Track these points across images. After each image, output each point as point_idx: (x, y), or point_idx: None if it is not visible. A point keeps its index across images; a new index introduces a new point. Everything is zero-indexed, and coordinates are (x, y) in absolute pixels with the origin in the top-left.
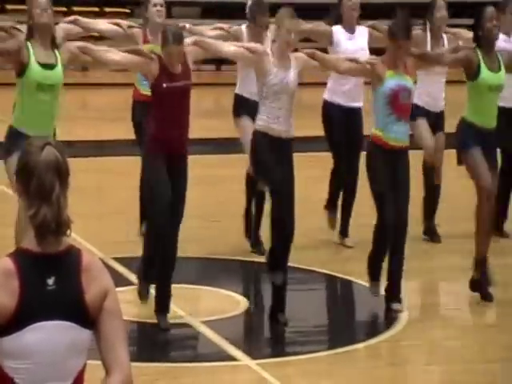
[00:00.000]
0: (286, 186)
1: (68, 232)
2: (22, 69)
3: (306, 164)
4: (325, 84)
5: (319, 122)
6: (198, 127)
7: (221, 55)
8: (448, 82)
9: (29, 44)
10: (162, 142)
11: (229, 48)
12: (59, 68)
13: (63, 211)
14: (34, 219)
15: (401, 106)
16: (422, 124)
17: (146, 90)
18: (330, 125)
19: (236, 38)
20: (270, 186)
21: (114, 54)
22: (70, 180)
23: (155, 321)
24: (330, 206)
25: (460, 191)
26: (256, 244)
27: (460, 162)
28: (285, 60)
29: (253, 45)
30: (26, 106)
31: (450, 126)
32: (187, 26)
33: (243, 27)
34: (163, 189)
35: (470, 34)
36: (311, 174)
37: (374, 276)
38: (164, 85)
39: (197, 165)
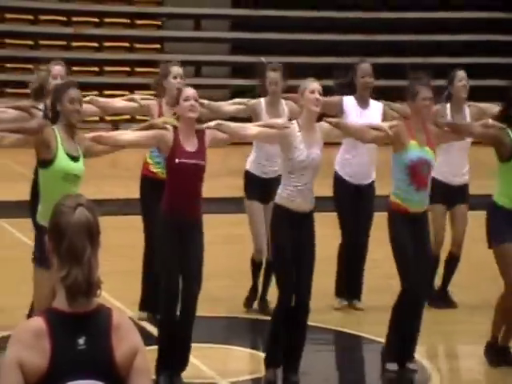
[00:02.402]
0: (303, 263)
1: (98, 292)
2: (49, 158)
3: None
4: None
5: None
6: (224, 186)
7: (245, 139)
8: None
9: (56, 132)
10: (173, 213)
11: (251, 131)
12: (82, 160)
13: (94, 272)
14: (65, 280)
15: (420, 178)
16: (439, 212)
17: (156, 168)
18: (340, 202)
19: (254, 110)
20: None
21: (129, 136)
22: (100, 239)
23: (185, 380)
24: (339, 291)
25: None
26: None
27: (490, 246)
28: (312, 132)
29: (274, 121)
30: (50, 196)
31: (475, 187)
32: (205, 102)
33: (262, 100)
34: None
35: (496, 109)
36: (325, 233)
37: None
38: (176, 160)
39: (222, 224)
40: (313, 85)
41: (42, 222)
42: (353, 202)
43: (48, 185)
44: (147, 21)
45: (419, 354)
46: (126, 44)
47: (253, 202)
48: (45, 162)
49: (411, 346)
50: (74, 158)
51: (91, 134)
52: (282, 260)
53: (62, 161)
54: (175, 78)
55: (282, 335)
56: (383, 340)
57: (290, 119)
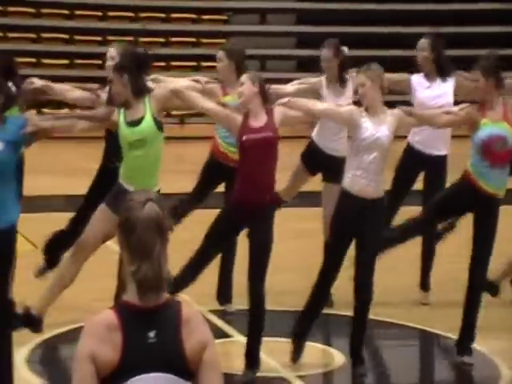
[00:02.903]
0: (366, 248)
1: (168, 287)
2: (116, 132)
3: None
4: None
5: None
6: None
7: (313, 114)
8: None
9: (121, 110)
10: (244, 192)
11: (319, 106)
12: (147, 120)
13: (164, 267)
14: (136, 275)
15: (494, 155)
16: None
17: (227, 149)
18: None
19: (315, 88)
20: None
21: (206, 103)
22: (169, 234)
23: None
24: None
25: None
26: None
27: None
28: (377, 114)
29: (340, 103)
30: (126, 163)
31: None
32: (271, 86)
33: (323, 78)
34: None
35: None
36: None
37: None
38: (244, 137)
39: (293, 218)
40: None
41: (122, 180)
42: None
43: (123, 151)
44: (213, 16)
45: (492, 349)
46: (192, 39)
47: (327, 184)
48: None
49: (469, 337)
50: (134, 124)
51: (172, 85)
52: (333, 250)
53: (123, 131)
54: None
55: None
56: (451, 335)
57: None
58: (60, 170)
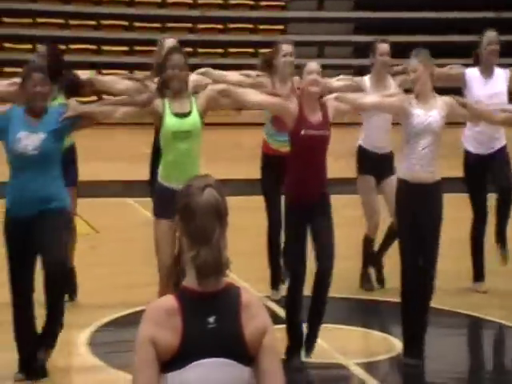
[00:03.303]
0: (428, 231)
1: (227, 272)
2: (160, 123)
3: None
4: None
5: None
6: (345, 167)
7: (363, 107)
8: None
9: (165, 100)
10: (299, 188)
11: (368, 99)
12: (194, 115)
13: (223, 252)
14: (195, 260)
15: None
16: None
17: (274, 142)
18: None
19: (360, 88)
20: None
21: (256, 96)
22: (228, 219)
23: (309, 360)
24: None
25: None
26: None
27: None
28: (428, 100)
29: (389, 92)
30: (165, 159)
31: None
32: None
33: (366, 77)
34: (299, 249)
35: None
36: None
37: None
38: (302, 132)
39: (349, 206)
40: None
41: (161, 180)
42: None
43: (165, 145)
44: (271, 2)
45: None
46: (250, 25)
47: (365, 176)
48: (158, 128)
49: None
50: (182, 115)
51: (220, 86)
52: (403, 238)
53: (169, 122)
54: (285, 55)
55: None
56: (508, 323)
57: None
58: (120, 156)
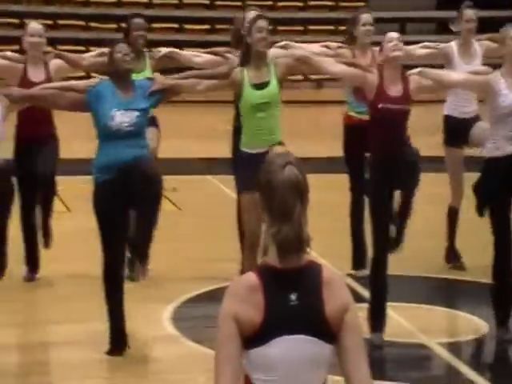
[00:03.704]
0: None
1: (308, 249)
2: (239, 94)
3: None
4: None
5: None
6: (422, 144)
7: (447, 85)
8: None
9: (244, 70)
10: (380, 160)
11: (456, 76)
12: (273, 84)
13: (304, 229)
14: (276, 237)
15: None
16: None
17: (355, 113)
18: None
19: (445, 54)
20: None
21: (335, 66)
22: (309, 196)
23: (389, 339)
24: None
25: None
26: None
27: None
28: None
29: (479, 68)
30: (246, 127)
31: None
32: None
33: (453, 43)
34: (385, 220)
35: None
36: None
37: None
38: (380, 105)
39: (427, 183)
40: None
41: (244, 149)
42: None
43: (245, 115)
44: None
45: None
46: (331, 3)
47: (452, 148)
48: (238, 98)
49: None
50: (261, 86)
51: (300, 52)
52: (500, 216)
53: (248, 93)
54: (364, 25)
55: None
56: None
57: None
58: (200, 133)
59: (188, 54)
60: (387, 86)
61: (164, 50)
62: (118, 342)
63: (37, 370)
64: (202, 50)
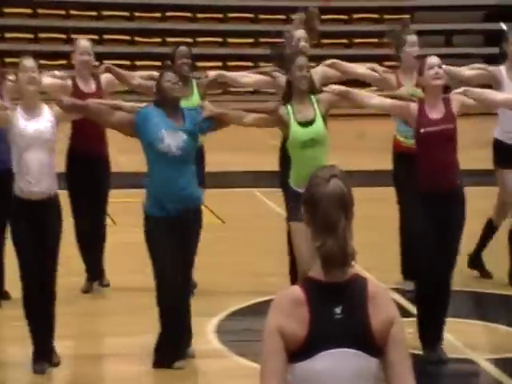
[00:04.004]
0: None
1: (353, 262)
2: (286, 131)
3: None
4: None
5: None
6: (473, 158)
7: (493, 104)
8: None
9: (289, 107)
10: (429, 184)
11: (501, 96)
12: (318, 121)
13: (349, 243)
14: (321, 251)
15: None
16: None
17: (405, 141)
18: None
19: (494, 77)
20: None
21: (378, 100)
22: (354, 210)
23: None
24: None
25: None
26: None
27: None
28: None
29: None
30: (294, 164)
31: None
32: (444, 67)
33: (502, 67)
34: (429, 241)
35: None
36: None
37: None
38: (421, 130)
39: (473, 197)
40: None
41: (292, 186)
42: None
43: (293, 153)
44: None
45: None
46: (375, 15)
47: (503, 170)
48: (285, 135)
49: None
50: (307, 124)
51: (338, 89)
52: None
53: (295, 131)
54: (411, 46)
55: None
56: None
57: None
58: (246, 146)
59: (235, 74)
60: (428, 110)
61: (211, 75)
62: (169, 354)
63: (88, 381)
64: (250, 70)
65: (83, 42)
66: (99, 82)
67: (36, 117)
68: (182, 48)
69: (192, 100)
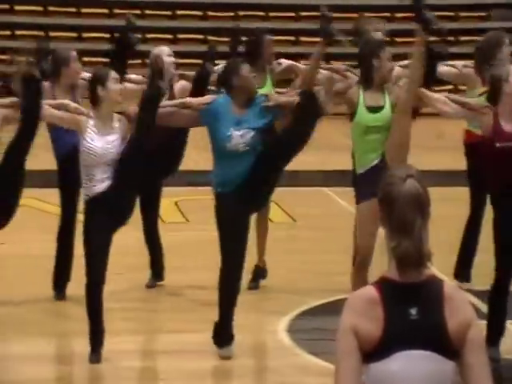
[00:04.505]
0: None
1: (429, 263)
2: (352, 113)
3: None
4: None
5: None
6: None
7: None
8: None
9: (360, 89)
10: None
11: None
12: (387, 108)
13: (424, 244)
14: (396, 251)
15: None
16: None
17: (474, 127)
18: None
19: None
20: None
21: (448, 106)
22: (430, 210)
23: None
24: None
25: None
26: None
27: None
28: None
29: None
30: (357, 147)
31: None
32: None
33: None
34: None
35: None
36: None
37: None
38: (497, 144)
39: None
40: None
41: (357, 169)
42: None
43: (355, 135)
44: (471, 13)
45: None
46: (450, 13)
47: None
48: (351, 117)
49: None
50: (375, 110)
51: (413, 88)
52: None
53: (361, 114)
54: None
55: None
56: None
57: None
58: (318, 145)
59: (303, 67)
60: (504, 123)
61: (284, 63)
62: (228, 345)
63: (157, 376)
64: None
65: (162, 48)
66: (172, 89)
67: (106, 132)
68: (269, 37)
69: (266, 87)
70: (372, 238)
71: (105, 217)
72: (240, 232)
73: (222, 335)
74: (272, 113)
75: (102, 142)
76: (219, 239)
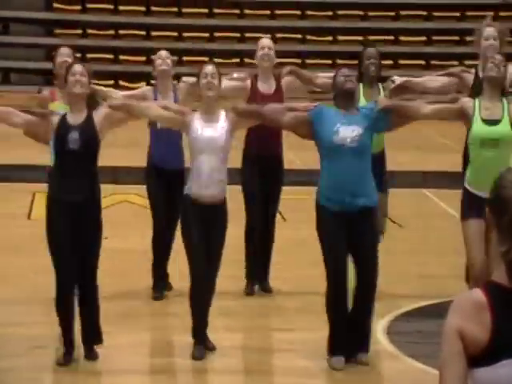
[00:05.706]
0: None
1: None
2: (468, 125)
3: None
4: None
5: None
6: None
7: None
8: None
9: (476, 101)
10: None
11: None
12: (505, 122)
13: None
14: (507, 257)
15: None
16: None
17: None
18: None
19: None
20: None
21: None
22: None
23: None
24: None
25: None
26: None
27: None
28: None
29: None
30: (472, 162)
31: None
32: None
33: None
34: None
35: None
36: None
37: None
38: None
39: None
40: None
41: (468, 186)
42: None
43: (472, 151)
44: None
45: None
46: (457, 14)
47: None
48: (467, 130)
49: None
50: (492, 123)
51: None
52: None
53: (476, 128)
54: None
55: None
56: None
57: None
58: (417, 145)
59: (423, 79)
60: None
61: (397, 80)
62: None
63: (259, 369)
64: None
65: (266, 40)
66: (279, 83)
67: (212, 123)
68: (371, 49)
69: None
70: (482, 257)
71: (197, 225)
72: (340, 240)
73: (336, 344)
74: (384, 116)
75: (206, 131)
76: (321, 244)
